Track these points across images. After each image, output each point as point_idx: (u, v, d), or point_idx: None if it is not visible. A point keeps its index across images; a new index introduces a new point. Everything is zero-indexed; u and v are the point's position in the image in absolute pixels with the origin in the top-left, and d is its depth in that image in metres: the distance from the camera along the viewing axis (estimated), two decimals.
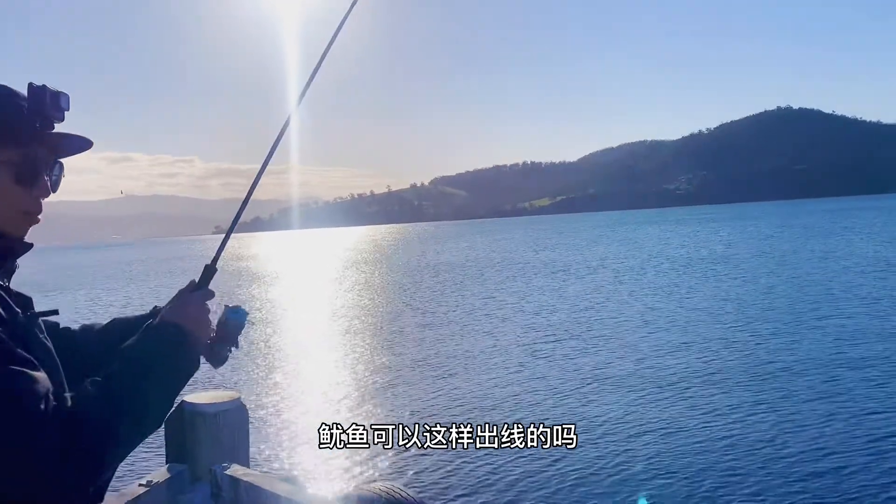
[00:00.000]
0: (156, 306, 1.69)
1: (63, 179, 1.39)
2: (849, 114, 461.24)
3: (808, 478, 6.97)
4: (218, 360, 1.53)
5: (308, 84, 1.82)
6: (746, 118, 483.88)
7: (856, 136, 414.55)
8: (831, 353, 12.16)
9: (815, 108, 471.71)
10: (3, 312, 1.22)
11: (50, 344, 1.33)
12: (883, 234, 43.44)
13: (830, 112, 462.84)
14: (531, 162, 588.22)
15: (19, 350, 1.17)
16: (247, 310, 1.58)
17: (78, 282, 44.79)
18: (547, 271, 32.41)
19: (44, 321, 1.38)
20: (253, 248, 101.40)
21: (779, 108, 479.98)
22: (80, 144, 1.41)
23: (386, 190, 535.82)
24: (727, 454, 7.67)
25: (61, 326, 1.61)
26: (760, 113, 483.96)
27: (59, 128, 1.34)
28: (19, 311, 1.29)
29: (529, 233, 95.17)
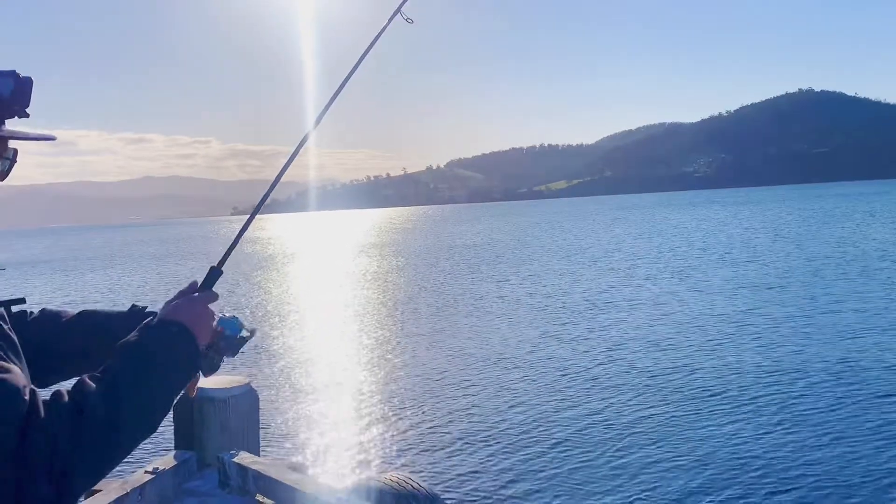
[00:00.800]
0: (134, 304, 1.65)
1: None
2: (872, 96, 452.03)
3: (814, 478, 6.82)
4: (208, 368, 1.45)
5: (327, 107, 1.78)
6: (767, 101, 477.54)
7: (879, 118, 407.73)
8: (841, 341, 11.95)
9: (837, 90, 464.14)
10: None
11: (14, 336, 1.23)
12: None
13: (853, 95, 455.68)
14: (548, 144, 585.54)
15: None
16: (242, 322, 1.50)
17: (104, 261, 45.11)
18: (561, 255, 32.19)
19: (7, 311, 1.29)
20: (269, 229, 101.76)
21: (800, 91, 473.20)
22: (41, 137, 1.34)
23: (402, 172, 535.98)
24: (735, 452, 7.52)
25: (30, 317, 1.54)
26: (781, 95, 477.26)
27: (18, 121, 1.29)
28: None
29: (544, 216, 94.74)
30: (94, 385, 1.13)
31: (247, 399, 2.98)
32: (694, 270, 23.37)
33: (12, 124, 1.29)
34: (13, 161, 1.34)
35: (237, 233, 1.64)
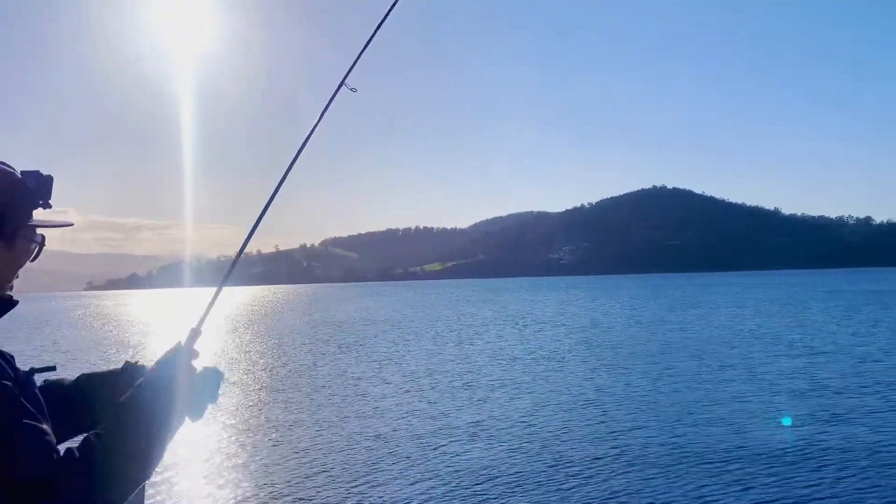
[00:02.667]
0: (127, 362, 1.89)
1: None
2: (717, 195, 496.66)
3: None
4: (196, 415, 1.66)
5: (274, 193, 2.16)
6: (626, 194, 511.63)
7: (723, 215, 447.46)
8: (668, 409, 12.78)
9: (687, 188, 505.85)
10: (9, 370, 1.42)
11: (41, 398, 1.47)
12: (738, 308, 46.76)
13: (701, 193, 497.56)
14: (423, 227, 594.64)
15: (27, 405, 1.35)
16: (221, 372, 1.75)
17: None
18: (428, 334, 32.47)
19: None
20: (125, 307, 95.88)
21: (654, 187, 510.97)
22: (59, 224, 1.66)
23: (274, 249, 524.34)
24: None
25: (45, 383, 1.72)
26: (637, 191, 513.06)
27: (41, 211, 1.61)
28: (19, 368, 1.47)
29: (417, 296, 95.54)
30: (99, 442, 1.37)
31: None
32: (550, 351, 24.28)
33: (37, 214, 1.58)
34: (42, 245, 1.60)
35: (213, 296, 1.97)
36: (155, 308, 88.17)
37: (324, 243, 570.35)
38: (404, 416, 14.31)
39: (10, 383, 1.36)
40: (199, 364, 1.71)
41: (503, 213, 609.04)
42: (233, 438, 12.68)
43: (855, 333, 27.69)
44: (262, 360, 24.90)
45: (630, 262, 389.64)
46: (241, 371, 22.14)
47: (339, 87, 2.44)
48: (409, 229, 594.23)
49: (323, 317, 53.36)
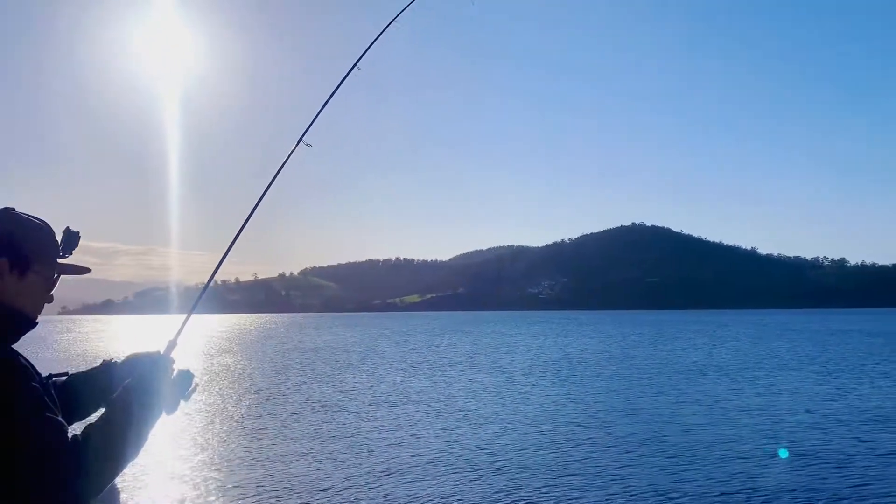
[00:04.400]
0: (103, 360, 2.36)
1: None
2: (694, 234, 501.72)
3: None
4: (171, 410, 2.09)
5: (237, 236, 2.70)
6: (605, 231, 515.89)
7: (701, 254, 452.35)
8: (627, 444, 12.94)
9: (665, 226, 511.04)
10: (35, 374, 1.86)
11: (57, 400, 1.89)
12: (715, 345, 47.24)
13: (679, 231, 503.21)
14: (404, 258, 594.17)
15: (49, 403, 1.78)
16: (193, 373, 2.18)
17: None
18: (402, 364, 32.44)
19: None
20: (105, 330, 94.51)
21: (633, 224, 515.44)
22: (78, 269, 2.14)
23: (252, 278, 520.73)
24: None
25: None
26: (616, 227, 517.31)
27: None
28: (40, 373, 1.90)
29: (393, 327, 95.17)
30: (94, 433, 1.81)
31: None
32: (513, 382, 24.39)
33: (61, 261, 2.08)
34: (54, 283, 2.09)
35: (186, 316, 2.51)
36: (127, 332, 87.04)
37: (303, 272, 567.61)
38: (369, 444, 14.32)
39: (37, 384, 1.79)
40: (175, 367, 2.14)
41: (483, 246, 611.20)
42: (192, 465, 12.62)
43: (819, 372, 28.11)
44: (231, 386, 24.74)
45: (609, 298, 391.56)
46: (209, 395, 21.99)
47: (297, 143, 2.83)
48: (389, 260, 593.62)
49: (296, 345, 53.05)
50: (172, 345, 2.23)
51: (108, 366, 2.32)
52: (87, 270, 2.16)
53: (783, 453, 13.00)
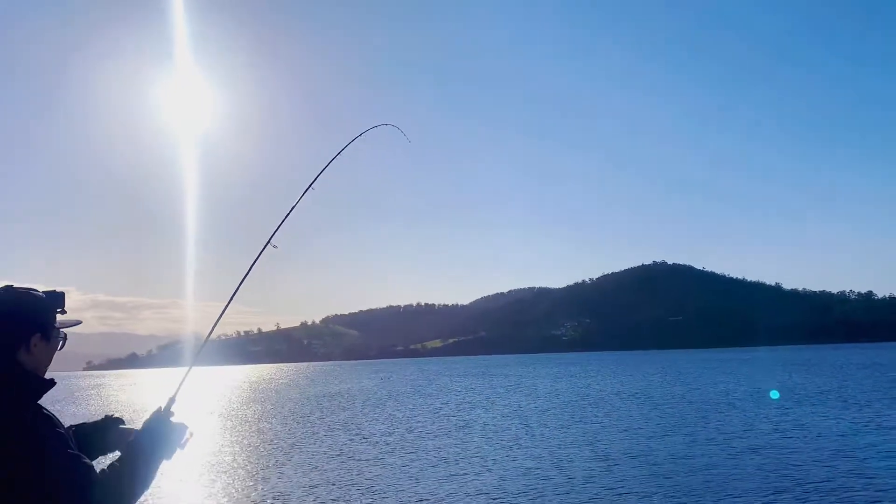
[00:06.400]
0: (107, 415, 2.81)
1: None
2: (718, 270, 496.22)
3: None
4: (169, 456, 2.52)
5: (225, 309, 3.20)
6: (625, 270, 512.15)
7: (725, 291, 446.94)
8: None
9: (687, 263, 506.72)
10: (60, 423, 2.28)
11: (77, 449, 2.26)
12: (742, 384, 46.72)
13: (701, 268, 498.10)
14: (424, 303, 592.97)
15: (74, 447, 2.21)
16: (187, 425, 2.59)
17: None
18: (420, 410, 32.56)
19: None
20: (132, 385, 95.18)
21: (654, 263, 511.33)
22: (74, 323, 2.52)
23: (275, 328, 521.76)
24: None
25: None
26: (637, 266, 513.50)
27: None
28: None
29: (416, 373, 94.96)
30: (111, 476, 2.24)
31: None
32: (532, 424, 24.46)
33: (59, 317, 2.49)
34: (65, 339, 2.51)
35: (185, 373, 2.93)
36: (148, 386, 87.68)
37: (324, 321, 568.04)
38: (389, 486, 14.59)
39: (63, 431, 2.22)
40: (172, 420, 2.55)
41: (504, 289, 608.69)
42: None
43: (845, 407, 27.85)
44: (253, 434, 25.08)
45: (633, 339, 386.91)
46: (229, 443, 22.35)
47: (265, 245, 3.34)
48: (410, 306, 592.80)
49: (316, 392, 53.24)
50: (171, 401, 2.60)
51: (111, 421, 2.76)
52: (78, 322, 2.53)
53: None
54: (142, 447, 2.39)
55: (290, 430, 27.06)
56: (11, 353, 2.29)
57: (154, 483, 2.30)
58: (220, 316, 3.19)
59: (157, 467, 2.41)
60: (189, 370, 2.96)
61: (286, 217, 3.46)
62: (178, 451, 2.55)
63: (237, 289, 3.21)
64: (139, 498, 2.30)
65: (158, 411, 2.55)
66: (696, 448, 18.75)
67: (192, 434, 2.60)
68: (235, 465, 18.67)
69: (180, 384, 2.77)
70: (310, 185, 3.67)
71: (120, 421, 2.78)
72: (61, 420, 2.32)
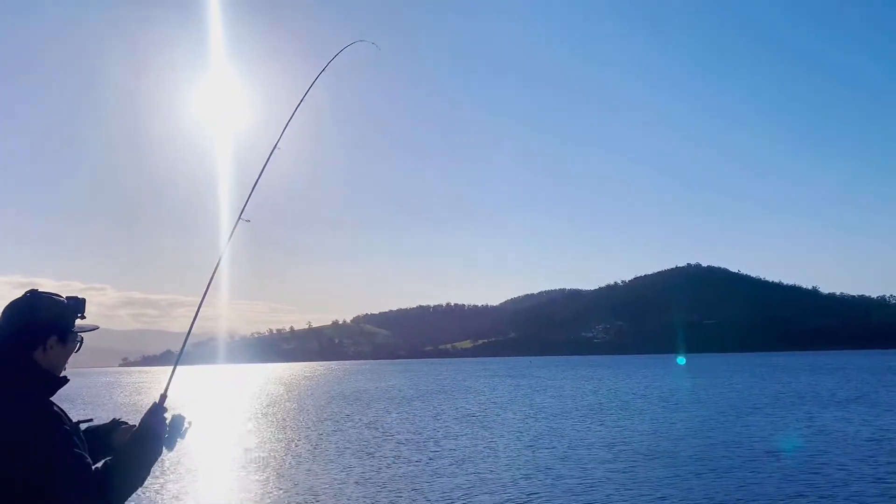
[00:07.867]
0: (114, 419, 2.99)
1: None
2: (753, 273, 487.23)
3: None
4: (169, 448, 2.73)
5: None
6: (658, 273, 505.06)
7: (761, 294, 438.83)
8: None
9: (722, 266, 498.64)
10: (66, 418, 2.42)
11: (85, 445, 2.44)
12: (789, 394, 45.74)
13: (736, 271, 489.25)
14: (454, 304, 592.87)
15: (78, 442, 2.36)
16: (184, 416, 2.80)
17: None
18: (446, 412, 32.49)
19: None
20: (157, 383, 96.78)
21: (688, 265, 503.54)
22: (91, 328, 2.73)
23: (307, 326, 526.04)
24: None
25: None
26: (671, 269, 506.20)
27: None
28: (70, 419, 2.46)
29: (445, 374, 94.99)
30: (112, 470, 2.42)
31: None
32: (561, 433, 24.21)
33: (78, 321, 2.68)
34: (81, 342, 2.69)
35: (174, 363, 3.20)
36: (180, 384, 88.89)
37: (355, 320, 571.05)
38: (413, 487, 14.54)
39: (69, 427, 2.35)
40: (169, 413, 2.75)
41: (534, 290, 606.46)
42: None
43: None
44: (282, 431, 25.25)
45: (666, 342, 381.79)
46: (255, 441, 22.53)
47: (237, 221, 3.57)
48: (440, 306, 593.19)
49: (345, 391, 53.49)
50: (164, 397, 2.80)
51: (116, 423, 2.95)
52: (95, 327, 2.75)
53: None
54: (137, 441, 2.59)
55: (320, 428, 27.19)
56: (29, 352, 2.47)
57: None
58: (197, 313, 3.48)
59: (153, 459, 2.58)
60: (175, 368, 3.18)
61: (255, 185, 3.63)
62: (179, 440, 2.76)
63: (213, 274, 3.43)
64: (138, 487, 2.48)
65: (153, 406, 2.72)
66: (719, 450, 18.37)
67: (190, 423, 2.79)
68: (265, 462, 18.79)
69: (169, 380, 2.95)
70: (275, 145, 3.89)
71: (123, 422, 2.95)
72: (70, 417, 2.46)
